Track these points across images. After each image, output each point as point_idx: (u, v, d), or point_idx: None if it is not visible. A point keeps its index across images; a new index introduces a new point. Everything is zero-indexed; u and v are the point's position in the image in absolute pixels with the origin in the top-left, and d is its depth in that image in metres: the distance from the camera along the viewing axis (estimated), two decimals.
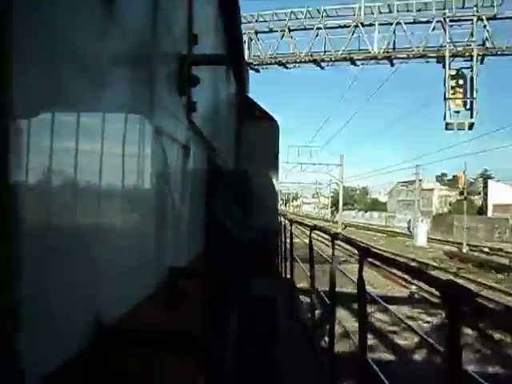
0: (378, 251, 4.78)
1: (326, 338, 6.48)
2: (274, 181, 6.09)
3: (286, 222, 12.39)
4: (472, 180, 71.78)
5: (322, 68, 25.53)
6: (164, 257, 1.88)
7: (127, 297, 1.34)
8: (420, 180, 55.70)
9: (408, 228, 57.53)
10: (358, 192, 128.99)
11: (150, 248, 1.68)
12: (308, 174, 72.69)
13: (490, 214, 61.45)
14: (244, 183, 3.83)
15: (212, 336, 1.70)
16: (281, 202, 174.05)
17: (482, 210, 65.93)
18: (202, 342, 1.16)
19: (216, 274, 2.29)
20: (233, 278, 2.90)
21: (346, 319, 11.15)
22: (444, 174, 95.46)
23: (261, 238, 5.38)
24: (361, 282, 4.06)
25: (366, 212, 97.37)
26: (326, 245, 22.03)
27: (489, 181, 71.01)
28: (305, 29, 24.90)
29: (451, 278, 14.11)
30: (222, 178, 3.47)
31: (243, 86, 5.12)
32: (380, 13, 23.98)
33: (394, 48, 23.84)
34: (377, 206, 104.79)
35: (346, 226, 60.14)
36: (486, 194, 68.13)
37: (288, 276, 11.46)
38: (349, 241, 5.72)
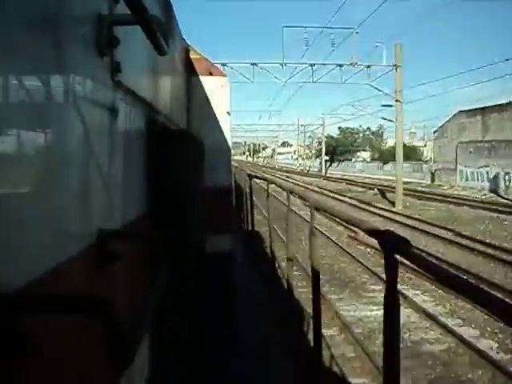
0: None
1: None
2: (226, 137, 6.07)
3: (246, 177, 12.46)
4: None
5: None
6: (92, 219, 1.88)
7: (44, 256, 1.35)
8: None
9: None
10: (365, 134, 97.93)
11: (72, 210, 1.68)
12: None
13: None
14: (189, 142, 3.81)
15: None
16: (247, 153, 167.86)
17: None
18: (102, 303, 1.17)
19: (154, 233, 2.30)
20: (174, 236, 2.91)
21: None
22: None
23: (213, 195, 5.41)
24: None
25: (384, 163, 67.54)
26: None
27: None
28: None
29: None
30: (167, 138, 3.44)
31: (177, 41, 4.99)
32: None
33: None
34: (409, 153, 64.86)
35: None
36: None
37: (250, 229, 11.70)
38: (301, 196, 5.84)
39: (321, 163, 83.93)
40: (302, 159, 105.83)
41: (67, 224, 1.62)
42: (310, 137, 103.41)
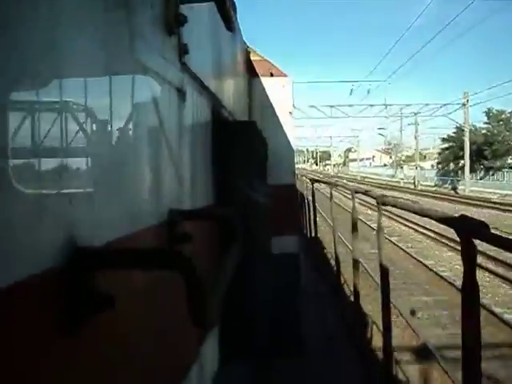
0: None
1: None
2: (288, 136, 6.04)
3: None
4: None
5: None
6: (163, 198, 1.89)
7: (116, 225, 1.35)
8: None
9: None
10: None
11: (144, 188, 1.69)
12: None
13: None
14: (256, 136, 3.78)
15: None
16: (312, 160, 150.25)
17: None
18: (185, 257, 1.15)
19: (227, 217, 2.27)
20: (242, 226, 2.88)
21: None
22: None
23: (277, 194, 5.36)
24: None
25: None
26: None
27: None
28: None
29: None
30: (232, 128, 3.42)
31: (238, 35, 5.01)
32: None
33: None
34: None
35: None
36: None
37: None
38: (366, 193, 5.72)
39: (459, 172, 55.99)
40: (384, 166, 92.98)
41: (142, 202, 1.65)
42: (389, 142, 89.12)
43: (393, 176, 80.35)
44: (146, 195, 1.69)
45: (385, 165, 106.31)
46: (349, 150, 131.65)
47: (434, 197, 40.65)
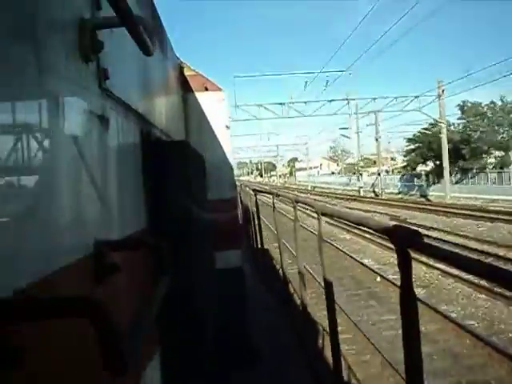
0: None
1: None
2: (226, 150, 6.02)
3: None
4: None
5: None
6: (87, 230, 1.80)
7: (40, 265, 1.28)
8: None
9: None
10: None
11: (67, 222, 1.61)
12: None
13: None
14: (189, 153, 3.73)
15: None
16: (255, 172, 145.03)
17: None
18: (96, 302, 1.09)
19: (157, 244, 2.21)
20: (177, 248, 2.82)
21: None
22: None
23: (217, 209, 5.32)
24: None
25: None
26: None
27: None
28: None
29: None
30: (164, 149, 3.36)
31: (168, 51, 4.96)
32: None
33: None
34: None
35: None
36: None
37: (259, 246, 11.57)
38: (306, 202, 5.76)
39: (429, 176, 51.44)
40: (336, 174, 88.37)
41: (62, 235, 1.55)
42: (332, 147, 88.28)
43: (347, 184, 74.50)
44: (66, 228, 1.61)
45: (332, 173, 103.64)
46: (294, 159, 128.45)
47: (408, 207, 34.28)
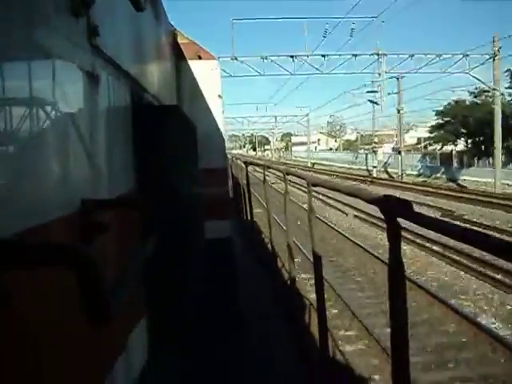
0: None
1: None
2: (218, 120, 5.98)
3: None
4: None
5: None
6: (75, 187, 1.78)
7: (17, 218, 1.26)
8: None
9: None
10: None
11: (52, 177, 1.58)
12: None
13: None
14: (181, 119, 3.68)
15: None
16: (248, 146, 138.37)
17: None
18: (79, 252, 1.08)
19: (144, 204, 2.19)
20: (166, 213, 2.80)
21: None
22: None
23: (208, 179, 5.30)
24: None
25: None
26: None
27: None
28: None
29: None
30: (155, 113, 3.32)
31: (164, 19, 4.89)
32: None
33: None
34: None
35: None
36: None
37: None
38: (296, 174, 5.76)
39: (463, 157, 42.40)
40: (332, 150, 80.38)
41: (49, 191, 1.54)
42: (330, 122, 78.98)
43: (352, 162, 63.72)
44: (53, 185, 1.58)
45: (330, 149, 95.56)
46: (287, 134, 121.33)
47: (441, 194, 27.33)
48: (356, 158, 65.13)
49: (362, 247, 14.35)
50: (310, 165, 70.23)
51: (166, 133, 3.18)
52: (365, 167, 52.67)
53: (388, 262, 2.62)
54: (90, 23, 2.01)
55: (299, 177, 5.32)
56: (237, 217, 13.12)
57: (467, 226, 11.09)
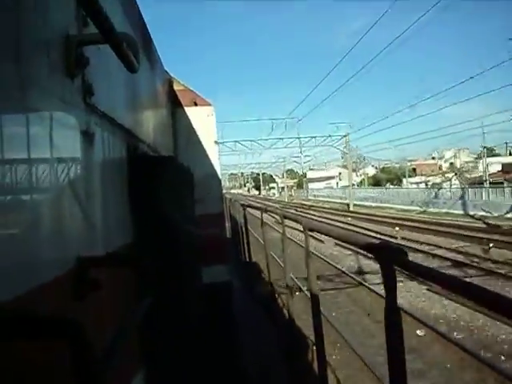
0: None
1: None
2: (214, 165, 6.03)
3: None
4: None
5: None
6: (69, 245, 1.79)
7: (17, 283, 1.27)
8: None
9: None
10: None
11: (46, 236, 1.60)
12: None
13: None
14: (176, 168, 3.72)
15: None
16: (249, 185, 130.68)
17: None
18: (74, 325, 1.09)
19: (140, 260, 2.20)
20: (163, 265, 2.81)
21: None
22: None
23: (205, 224, 5.31)
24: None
25: None
26: None
27: None
28: None
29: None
30: (151, 164, 3.35)
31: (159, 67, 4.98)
32: None
33: None
34: None
35: None
36: None
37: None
38: (293, 218, 5.78)
39: None
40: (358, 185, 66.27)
41: (44, 251, 1.55)
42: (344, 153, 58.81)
43: (429, 204, 41.81)
44: (49, 243, 1.60)
45: (352, 184, 64.32)
46: (290, 171, 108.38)
47: None
48: (436, 195, 43.74)
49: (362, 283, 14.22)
50: (349, 207, 49.06)
51: (162, 184, 3.20)
52: (457, 211, 35.01)
53: (384, 311, 2.62)
54: (84, 82, 2.06)
55: (295, 221, 5.34)
56: (236, 257, 13.06)
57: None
